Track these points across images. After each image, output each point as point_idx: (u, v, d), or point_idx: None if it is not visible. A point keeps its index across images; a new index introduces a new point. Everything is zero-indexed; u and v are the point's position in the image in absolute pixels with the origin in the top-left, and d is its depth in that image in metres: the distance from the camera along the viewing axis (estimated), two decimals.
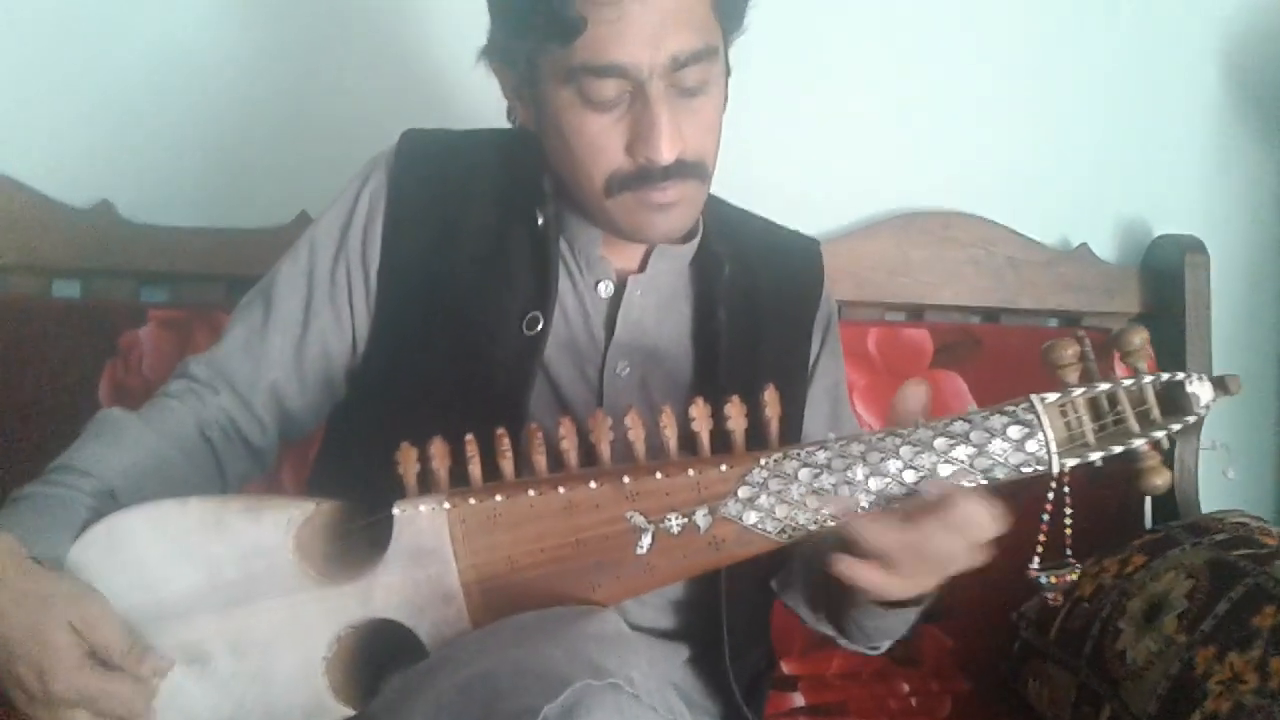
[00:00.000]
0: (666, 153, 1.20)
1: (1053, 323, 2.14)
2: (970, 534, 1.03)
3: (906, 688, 1.88)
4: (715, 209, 1.44)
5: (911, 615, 1.24)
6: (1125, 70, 2.17)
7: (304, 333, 1.36)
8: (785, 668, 1.86)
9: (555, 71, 1.21)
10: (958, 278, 2.07)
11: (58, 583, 1.07)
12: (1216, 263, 2.07)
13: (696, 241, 1.40)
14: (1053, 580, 1.08)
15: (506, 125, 1.40)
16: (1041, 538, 1.07)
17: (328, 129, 1.94)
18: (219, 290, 1.91)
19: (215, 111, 1.97)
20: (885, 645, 1.36)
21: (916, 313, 2.09)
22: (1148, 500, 2.04)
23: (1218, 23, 2.19)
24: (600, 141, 1.22)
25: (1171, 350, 2.04)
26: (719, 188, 1.48)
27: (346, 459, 1.36)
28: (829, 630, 1.38)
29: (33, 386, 1.82)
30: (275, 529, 1.10)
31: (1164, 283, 2.10)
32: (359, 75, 1.99)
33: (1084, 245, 2.12)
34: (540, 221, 1.33)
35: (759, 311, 1.42)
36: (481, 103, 1.45)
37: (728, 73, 1.31)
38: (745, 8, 1.30)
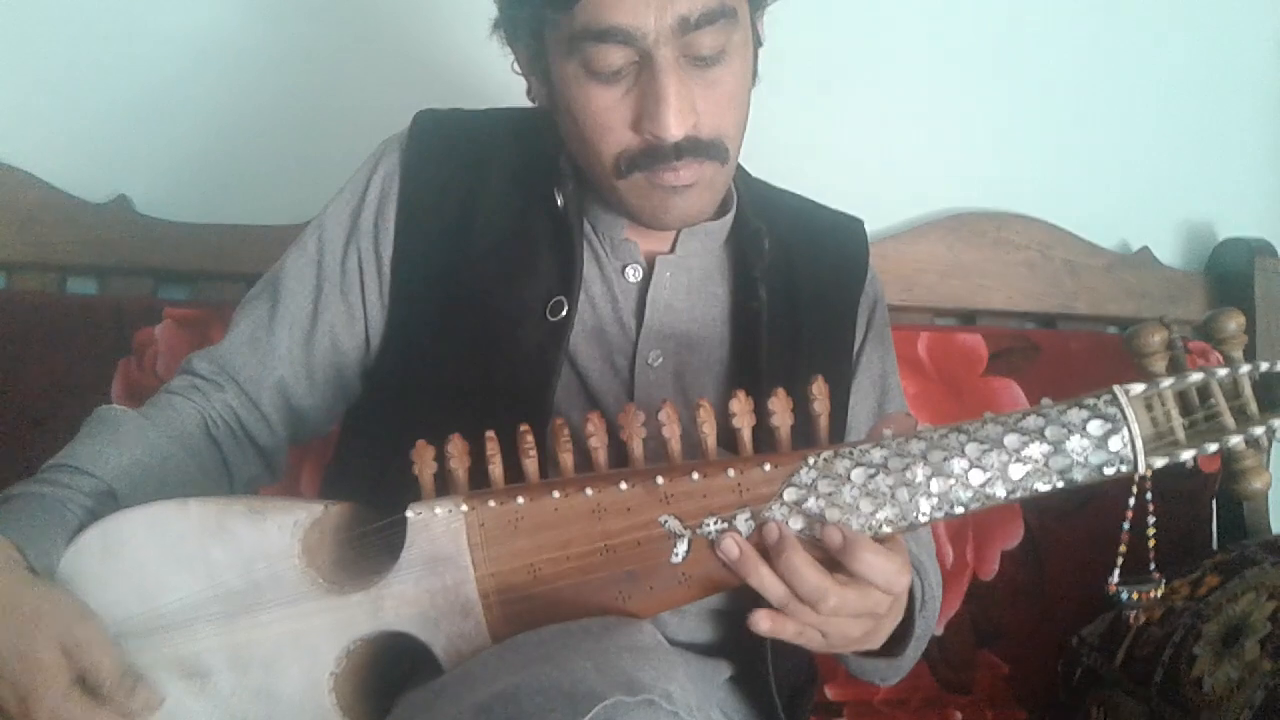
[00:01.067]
0: (674, 128, 1.12)
1: (1112, 329, 2.08)
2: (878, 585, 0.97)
3: (959, 716, 1.81)
4: (749, 185, 1.39)
5: (890, 668, 1.21)
6: (1187, 67, 2.12)
7: (313, 326, 1.31)
8: (830, 693, 1.80)
9: (559, 43, 1.15)
10: (1012, 281, 2.01)
11: (51, 598, 1.01)
12: None
13: (730, 218, 1.33)
14: (1135, 596, 0.99)
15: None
16: (1122, 548, 0.98)
17: (348, 124, 1.91)
18: (237, 288, 1.86)
19: (234, 106, 1.96)
20: (891, 680, 1.29)
21: (968, 317, 2.04)
22: (1215, 518, 1.97)
23: (1279, 18, 2.13)
24: (606, 118, 1.15)
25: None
26: None
27: (361, 461, 1.30)
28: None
29: (46, 385, 1.79)
30: (280, 533, 1.04)
31: (1231, 287, 2.03)
32: (380, 69, 1.96)
33: (1145, 249, 2.07)
34: (560, 202, 1.27)
35: (799, 294, 1.35)
36: (504, 97, 1.40)
37: (757, 43, 1.24)
38: None
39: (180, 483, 1.18)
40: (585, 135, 1.17)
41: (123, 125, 1.94)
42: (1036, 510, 1.83)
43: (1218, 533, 1.97)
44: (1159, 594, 0.99)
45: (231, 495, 1.27)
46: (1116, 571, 0.99)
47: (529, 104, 1.32)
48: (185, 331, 1.81)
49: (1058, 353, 1.94)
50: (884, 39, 2.04)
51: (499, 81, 1.35)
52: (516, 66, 1.28)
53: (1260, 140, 2.15)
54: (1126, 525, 0.97)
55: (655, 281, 1.28)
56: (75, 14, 1.91)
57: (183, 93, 1.94)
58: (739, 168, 1.37)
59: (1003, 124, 2.08)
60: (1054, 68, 2.08)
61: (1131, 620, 1.02)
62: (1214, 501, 1.95)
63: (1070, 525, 1.82)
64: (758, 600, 1.21)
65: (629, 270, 1.29)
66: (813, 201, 1.48)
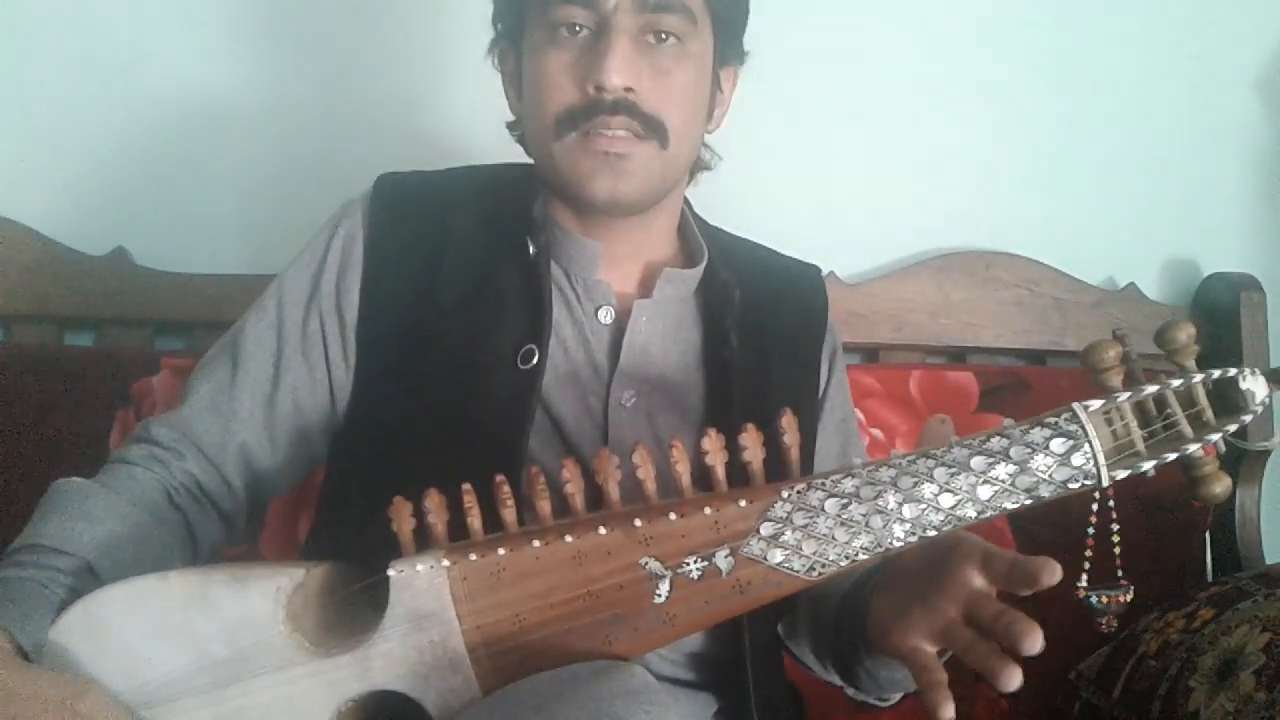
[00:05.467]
0: (615, 75, 1.19)
1: None
2: None
3: None
4: (715, 236, 1.42)
5: None
6: (1170, 106, 2.14)
7: (274, 389, 1.31)
8: None
9: (534, 13, 1.25)
10: (1001, 319, 2.02)
11: (47, 679, 0.98)
12: (1271, 301, 2.03)
13: (702, 267, 1.36)
14: (1104, 600, 1.00)
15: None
16: (1088, 553, 1.00)
17: (343, 176, 1.90)
18: None
19: (230, 158, 1.97)
20: (896, 698, 1.28)
21: (958, 355, 2.04)
22: (1209, 551, 1.97)
23: (1261, 56, 2.15)
24: (556, 77, 1.23)
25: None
26: (754, 230, 1.46)
27: (343, 517, 1.30)
28: (836, 680, 1.30)
29: (45, 437, 1.78)
30: (263, 600, 1.03)
31: (1217, 322, 2.04)
32: (376, 122, 1.98)
33: (1132, 285, 2.08)
34: (532, 251, 1.29)
35: (766, 339, 1.37)
36: (504, 151, 1.42)
37: (716, 86, 1.32)
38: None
39: (153, 549, 1.17)
40: (536, 100, 1.24)
41: (121, 178, 1.95)
42: (1031, 544, 1.81)
43: (1212, 565, 1.96)
44: (1127, 599, 1.01)
45: (209, 565, 1.24)
46: (1084, 576, 1.00)
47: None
48: (182, 380, 1.74)
49: (1048, 389, 1.94)
50: (872, 82, 2.06)
51: (502, 137, 1.39)
52: (505, 84, 1.34)
53: (1243, 177, 2.16)
54: (1091, 531, 0.99)
55: (632, 325, 1.29)
56: (73, 70, 1.93)
57: (180, 145, 1.95)
58: (702, 220, 1.42)
59: (990, 164, 2.09)
60: (1040, 109, 2.10)
61: (1104, 627, 1.02)
62: (1208, 535, 1.95)
63: (1064, 560, 1.80)
64: (733, 640, 1.22)
65: (601, 312, 1.30)
66: (771, 250, 1.51)
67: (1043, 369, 2.02)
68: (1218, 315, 2.03)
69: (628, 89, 1.20)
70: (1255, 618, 1.54)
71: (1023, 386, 1.94)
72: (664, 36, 1.22)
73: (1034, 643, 0.92)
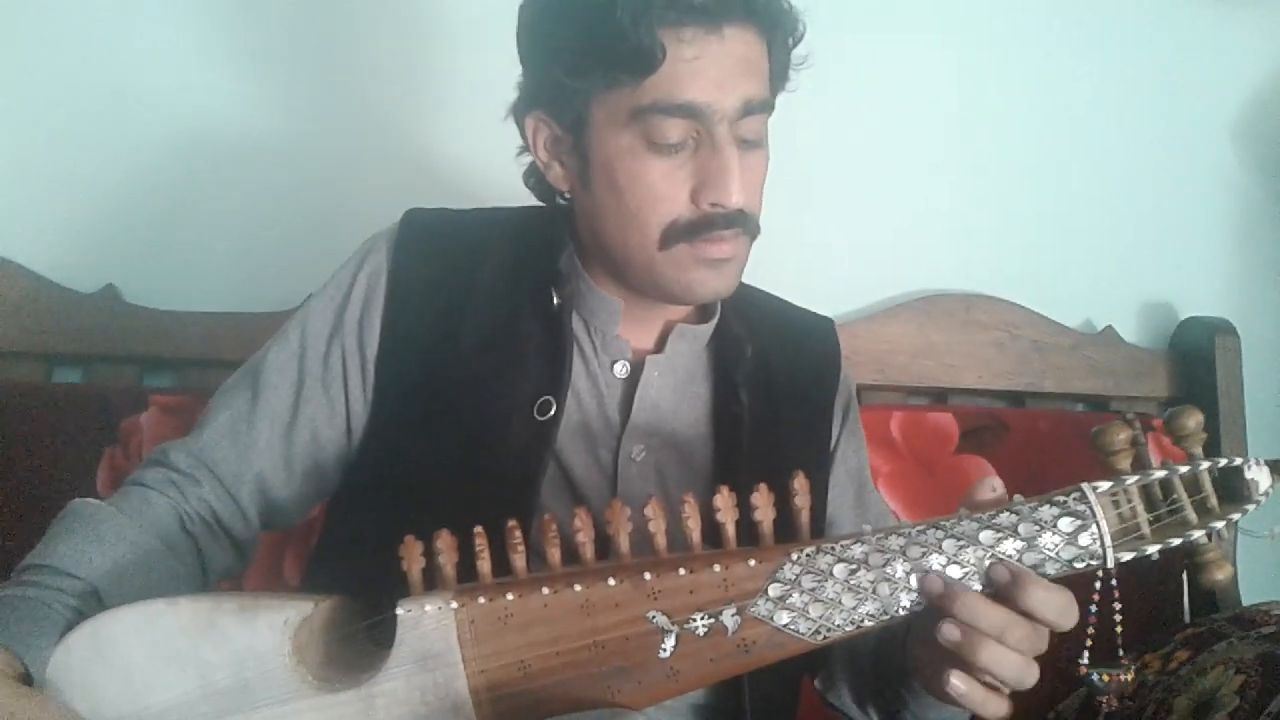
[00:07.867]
0: (737, 195, 1.17)
1: (1080, 407, 2.11)
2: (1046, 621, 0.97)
3: None
4: None
5: None
6: (1146, 152, 2.16)
7: (294, 420, 1.31)
8: None
9: (615, 115, 1.18)
10: (981, 361, 2.04)
11: (43, 710, 0.99)
12: (1245, 345, 2.05)
13: (714, 322, 1.36)
14: (1105, 679, 1.01)
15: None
16: (1090, 630, 1.00)
17: (335, 214, 1.93)
18: (223, 374, 1.81)
19: (221, 197, 1.96)
20: None
21: (939, 396, 2.06)
22: (1185, 592, 1.98)
23: (1236, 105, 2.19)
24: (662, 188, 1.18)
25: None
26: None
27: (345, 551, 1.29)
28: None
29: (32, 474, 1.77)
30: (271, 631, 1.03)
31: (1193, 366, 2.07)
32: (367, 160, 1.98)
33: (1109, 328, 2.10)
34: (556, 302, 1.29)
35: (778, 394, 1.37)
36: (499, 197, 1.43)
37: None
38: (787, 71, 1.29)
39: (162, 578, 1.17)
40: (633, 208, 1.20)
41: (111, 215, 1.94)
42: None
43: (1189, 606, 1.97)
44: (1129, 678, 1.01)
45: (218, 591, 1.25)
46: (1085, 654, 1.00)
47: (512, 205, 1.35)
48: (171, 418, 1.80)
49: (1027, 431, 1.96)
50: (853, 128, 2.07)
51: (499, 181, 1.39)
52: (541, 154, 1.28)
53: (1218, 222, 2.19)
54: (1094, 609, 0.99)
55: (644, 380, 1.30)
56: (64, 107, 1.92)
57: (171, 183, 1.94)
58: None
59: (970, 209, 2.11)
60: (1020, 155, 2.12)
61: (1104, 705, 1.03)
62: (1185, 575, 1.95)
63: (1065, 635, 1.81)
64: (734, 694, 1.22)
65: (617, 366, 1.31)
66: (785, 301, 1.51)
67: (1022, 411, 2.04)
68: (1193, 359, 2.06)
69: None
70: (1230, 660, 1.55)
71: (1002, 428, 1.96)
72: (754, 139, 1.21)
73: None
